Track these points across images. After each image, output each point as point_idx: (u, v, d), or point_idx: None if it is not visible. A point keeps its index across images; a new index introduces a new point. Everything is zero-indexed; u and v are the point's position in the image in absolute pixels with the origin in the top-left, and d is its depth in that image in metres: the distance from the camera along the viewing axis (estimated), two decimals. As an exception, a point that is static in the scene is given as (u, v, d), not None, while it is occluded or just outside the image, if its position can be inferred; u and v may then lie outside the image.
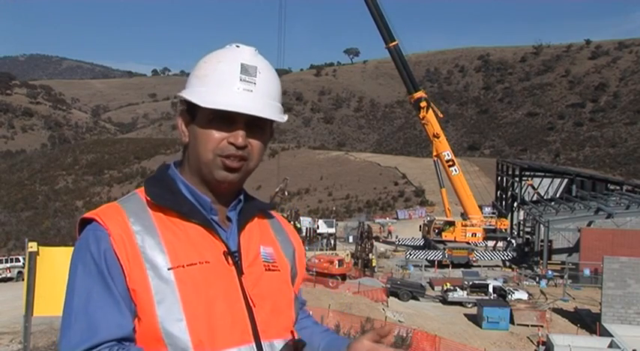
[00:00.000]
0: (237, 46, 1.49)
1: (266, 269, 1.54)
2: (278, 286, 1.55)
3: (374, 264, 38.57)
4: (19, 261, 35.95)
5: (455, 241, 45.05)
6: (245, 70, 1.45)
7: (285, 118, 1.52)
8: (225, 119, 1.43)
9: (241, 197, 1.56)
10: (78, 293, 1.37)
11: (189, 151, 1.51)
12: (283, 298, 1.55)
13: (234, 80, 1.43)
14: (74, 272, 1.40)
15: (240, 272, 1.47)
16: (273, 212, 1.71)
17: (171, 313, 1.36)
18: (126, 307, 1.37)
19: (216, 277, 1.43)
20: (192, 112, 1.48)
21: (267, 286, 1.52)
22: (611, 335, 22.21)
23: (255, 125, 1.46)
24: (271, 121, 1.52)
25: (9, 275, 36.87)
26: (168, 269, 1.39)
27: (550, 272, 36.59)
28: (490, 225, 47.62)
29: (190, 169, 1.52)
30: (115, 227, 1.41)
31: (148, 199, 1.47)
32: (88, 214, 1.46)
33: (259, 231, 1.61)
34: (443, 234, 46.08)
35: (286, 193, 53.97)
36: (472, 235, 46.03)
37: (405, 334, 18.66)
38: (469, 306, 29.60)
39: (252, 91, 1.44)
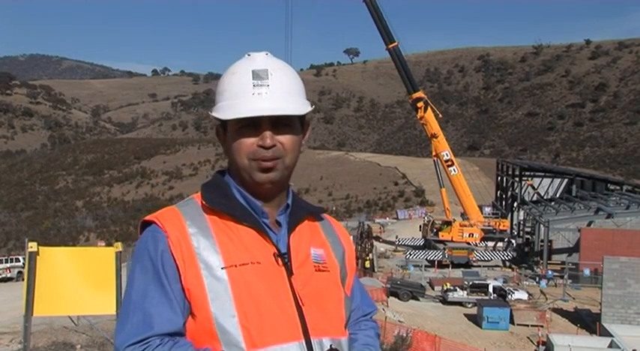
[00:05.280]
0: (249, 55, 1.61)
1: (316, 270, 1.62)
2: (327, 286, 1.62)
3: (367, 265, 38.37)
4: (19, 261, 35.95)
5: (452, 241, 45.02)
6: (257, 75, 1.55)
7: (307, 109, 1.61)
8: (251, 125, 1.53)
9: (289, 202, 1.66)
10: (136, 290, 1.51)
11: (229, 160, 1.63)
12: (333, 297, 1.62)
13: (248, 87, 1.54)
14: (133, 270, 1.54)
15: (289, 273, 1.56)
16: (325, 215, 1.80)
17: (224, 309, 1.47)
18: (178, 305, 1.49)
19: (267, 277, 1.52)
20: (225, 126, 1.60)
21: (316, 286, 1.59)
22: (611, 335, 22.23)
23: (281, 123, 1.55)
24: (301, 115, 1.61)
25: (9, 275, 36.86)
26: (222, 268, 1.49)
27: (550, 272, 36.55)
28: (488, 225, 47.55)
29: (234, 177, 1.63)
30: (173, 230, 1.52)
31: (204, 203, 1.58)
32: (148, 217, 1.58)
33: (310, 233, 1.69)
34: (440, 234, 46.01)
35: None
36: (469, 236, 45.95)
37: (405, 334, 18.66)
38: (469, 306, 29.58)
39: (267, 93, 1.54)
